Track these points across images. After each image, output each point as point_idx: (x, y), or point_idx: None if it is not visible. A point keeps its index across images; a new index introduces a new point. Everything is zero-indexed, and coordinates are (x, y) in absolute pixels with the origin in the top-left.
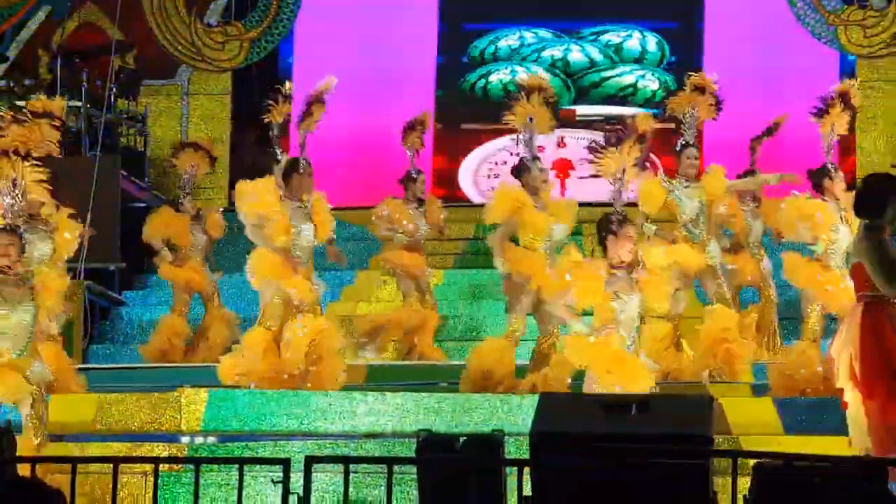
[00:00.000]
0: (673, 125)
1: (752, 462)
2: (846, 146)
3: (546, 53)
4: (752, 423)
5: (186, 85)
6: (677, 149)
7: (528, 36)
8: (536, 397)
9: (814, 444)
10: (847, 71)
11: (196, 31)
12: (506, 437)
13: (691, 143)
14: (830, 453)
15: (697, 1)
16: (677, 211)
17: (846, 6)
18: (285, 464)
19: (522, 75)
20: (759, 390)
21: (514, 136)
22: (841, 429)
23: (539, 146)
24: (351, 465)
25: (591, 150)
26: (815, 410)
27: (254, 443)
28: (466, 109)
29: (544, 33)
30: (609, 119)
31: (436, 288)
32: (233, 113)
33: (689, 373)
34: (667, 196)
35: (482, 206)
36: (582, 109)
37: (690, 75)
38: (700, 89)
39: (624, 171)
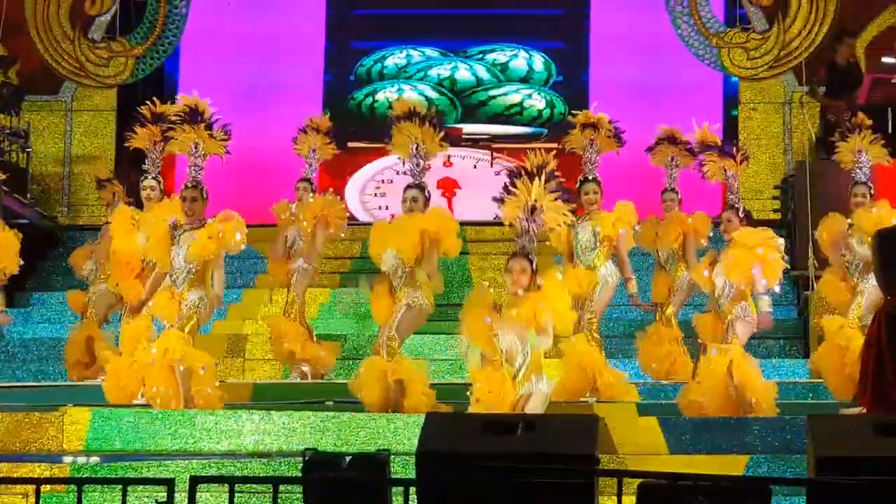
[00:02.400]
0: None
1: (637, 481)
2: None
3: (433, 72)
4: (638, 442)
5: (70, 101)
6: (577, 185)
7: (415, 54)
8: (423, 416)
9: (698, 464)
10: (730, 91)
11: (80, 47)
12: (392, 457)
13: (590, 178)
14: (715, 472)
15: (583, 22)
16: (573, 242)
17: (729, 29)
18: (169, 484)
19: (396, 103)
20: (644, 409)
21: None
22: (725, 448)
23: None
24: (236, 485)
25: (498, 201)
26: (700, 430)
27: (138, 462)
28: (353, 127)
29: (431, 52)
30: (496, 137)
31: (321, 307)
32: (117, 129)
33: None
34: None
35: (368, 224)
36: (469, 128)
37: (574, 114)
38: (592, 126)
39: (533, 208)
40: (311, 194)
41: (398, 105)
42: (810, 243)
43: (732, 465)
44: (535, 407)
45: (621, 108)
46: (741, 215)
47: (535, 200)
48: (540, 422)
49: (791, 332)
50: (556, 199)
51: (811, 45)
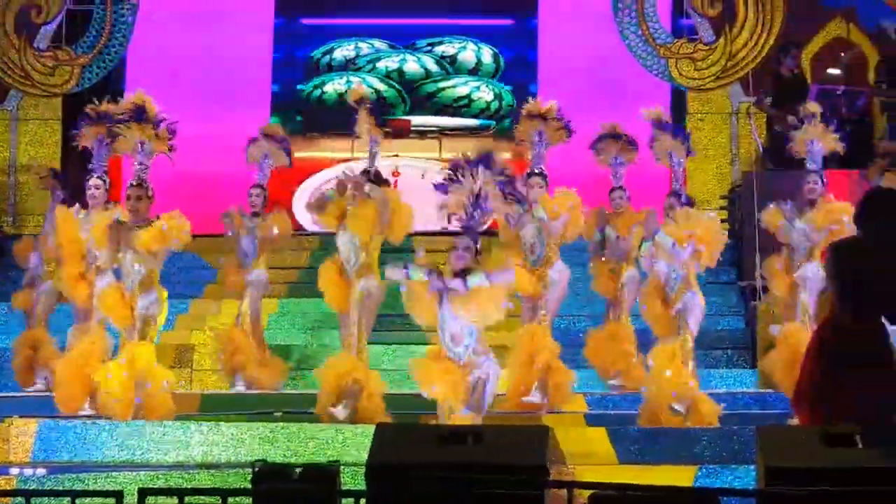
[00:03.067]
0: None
1: (587, 493)
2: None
3: (381, 64)
4: (587, 452)
5: (16, 110)
6: (525, 176)
7: (364, 47)
8: (373, 427)
9: (647, 474)
10: (678, 102)
11: (26, 56)
12: (342, 468)
13: (537, 171)
14: (664, 483)
15: (531, 33)
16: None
17: (676, 40)
18: (118, 496)
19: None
20: (592, 420)
21: (348, 164)
22: (674, 458)
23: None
24: (185, 497)
25: (441, 189)
26: (649, 440)
27: (85, 474)
28: (302, 126)
29: (380, 44)
30: (444, 129)
31: (269, 317)
32: (63, 138)
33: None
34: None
35: (315, 234)
36: (417, 120)
37: (527, 100)
38: (540, 116)
39: (478, 195)
40: (263, 201)
41: (351, 93)
42: (757, 253)
43: (681, 475)
44: (491, 392)
45: (571, 118)
46: (683, 201)
47: (480, 188)
48: (490, 433)
49: (738, 343)
50: (498, 188)
51: (758, 56)
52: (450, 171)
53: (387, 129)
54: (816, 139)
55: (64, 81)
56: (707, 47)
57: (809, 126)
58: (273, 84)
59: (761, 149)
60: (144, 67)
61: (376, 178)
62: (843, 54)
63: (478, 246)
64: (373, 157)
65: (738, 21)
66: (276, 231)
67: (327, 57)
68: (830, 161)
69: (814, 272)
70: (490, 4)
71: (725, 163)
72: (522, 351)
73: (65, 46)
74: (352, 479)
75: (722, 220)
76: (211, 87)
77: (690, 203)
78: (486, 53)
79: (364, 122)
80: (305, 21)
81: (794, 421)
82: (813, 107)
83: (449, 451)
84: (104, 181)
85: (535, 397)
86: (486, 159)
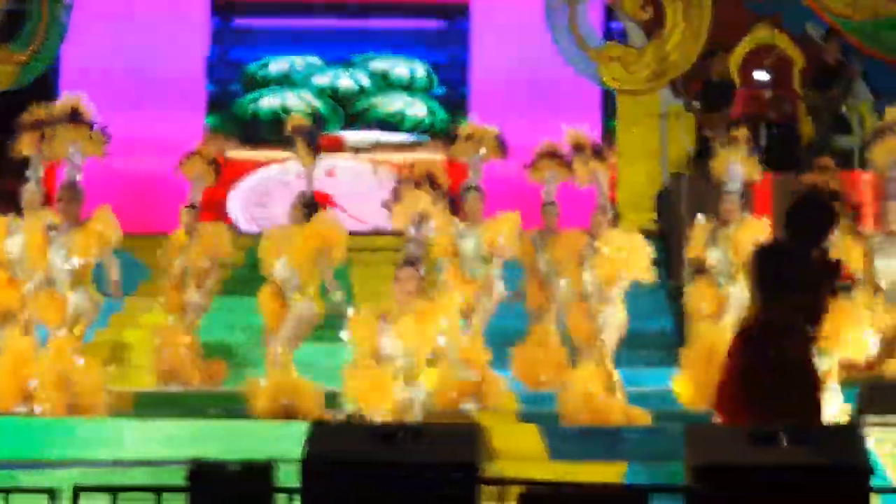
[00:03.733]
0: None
1: (518, 489)
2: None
3: (316, 80)
4: (518, 449)
5: None
6: (462, 191)
7: (298, 62)
8: (307, 425)
9: (578, 471)
10: (610, 106)
11: None
12: (277, 465)
13: (474, 185)
14: (594, 480)
15: (464, 35)
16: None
17: (607, 43)
18: (51, 493)
19: (295, 102)
20: (525, 417)
21: (283, 164)
22: (604, 455)
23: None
24: (119, 494)
25: (387, 207)
26: (579, 437)
27: (19, 472)
28: (237, 134)
29: (314, 60)
30: (378, 145)
31: (206, 316)
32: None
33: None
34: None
35: (251, 234)
36: (351, 135)
37: (461, 125)
38: (477, 137)
39: (421, 217)
40: (195, 219)
41: (289, 122)
42: (685, 254)
43: (610, 472)
44: (416, 416)
45: (502, 121)
46: (610, 216)
47: (423, 210)
48: (423, 430)
49: (667, 342)
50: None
51: (687, 59)
52: (394, 187)
53: (320, 152)
54: (738, 163)
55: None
56: (637, 51)
57: (732, 150)
58: (209, 84)
59: (690, 151)
60: (79, 67)
61: (310, 203)
62: (769, 59)
63: (421, 273)
64: (309, 180)
65: (667, 25)
66: (207, 264)
67: (263, 71)
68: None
69: (739, 293)
70: (422, 7)
71: (655, 165)
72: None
73: (1, 45)
74: (287, 477)
75: (653, 221)
76: (146, 87)
77: (617, 219)
78: (420, 68)
79: (301, 150)
80: (241, 21)
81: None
82: (740, 133)
83: (383, 448)
84: (38, 186)
85: (469, 404)
86: (428, 178)
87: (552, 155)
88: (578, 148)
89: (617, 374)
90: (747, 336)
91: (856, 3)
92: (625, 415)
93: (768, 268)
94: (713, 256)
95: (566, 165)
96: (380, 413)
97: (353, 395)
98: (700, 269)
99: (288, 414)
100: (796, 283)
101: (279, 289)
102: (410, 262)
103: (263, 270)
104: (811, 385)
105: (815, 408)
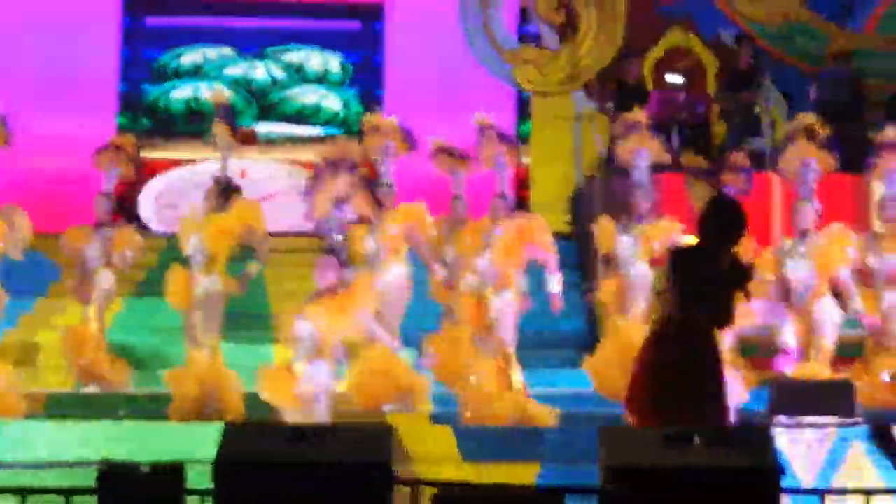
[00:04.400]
0: None
1: (432, 490)
2: (522, 179)
3: (229, 71)
4: (431, 450)
5: None
6: (374, 187)
7: (211, 53)
8: (221, 425)
9: (491, 472)
10: (524, 108)
11: None
12: (188, 466)
13: (385, 181)
14: (507, 481)
15: (379, 35)
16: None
17: (522, 45)
18: None
19: (208, 93)
20: (438, 418)
21: (195, 165)
22: (517, 456)
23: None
24: (28, 496)
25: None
26: (493, 438)
27: None
28: (148, 128)
29: (227, 51)
30: (291, 138)
31: (115, 316)
32: None
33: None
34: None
35: (162, 235)
36: (264, 128)
37: (369, 115)
38: (381, 129)
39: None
40: (110, 210)
41: (213, 95)
42: (599, 255)
43: (524, 473)
44: (320, 410)
45: (416, 122)
46: (508, 202)
47: (341, 193)
48: (336, 430)
49: (580, 342)
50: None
51: (601, 62)
52: (309, 175)
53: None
54: (642, 148)
55: None
56: (551, 53)
57: (634, 135)
58: (120, 83)
59: (603, 153)
60: None
61: (228, 188)
62: (682, 62)
63: (340, 261)
64: (225, 165)
65: (581, 28)
66: (128, 254)
67: (175, 62)
68: (669, 165)
69: (640, 273)
70: (336, 8)
71: (569, 167)
72: (374, 368)
73: None
74: (199, 478)
75: (566, 223)
76: (58, 87)
77: (513, 206)
78: (334, 61)
79: (219, 131)
80: (152, 20)
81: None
82: (637, 115)
83: (296, 448)
84: None
85: (392, 406)
86: (347, 162)
87: (444, 150)
88: (483, 128)
89: (518, 371)
90: (659, 336)
91: (769, 8)
92: (526, 412)
93: (682, 269)
94: (622, 248)
95: (460, 159)
96: (286, 404)
97: (264, 389)
98: (609, 262)
99: (210, 405)
100: (709, 284)
101: (188, 267)
102: (331, 249)
103: (182, 251)
104: (719, 386)
105: (723, 408)
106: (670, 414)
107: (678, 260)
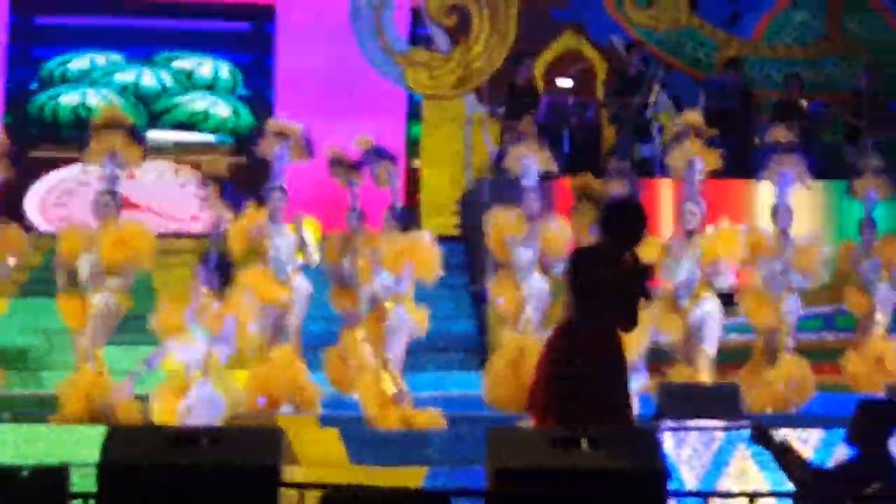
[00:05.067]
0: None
1: (318, 493)
2: (414, 182)
3: (118, 77)
4: (319, 453)
5: None
6: (267, 191)
7: (100, 59)
8: (104, 428)
9: (379, 476)
10: (414, 109)
11: None
12: (73, 470)
13: (278, 186)
14: (395, 484)
15: (269, 37)
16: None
17: (413, 48)
18: None
19: (100, 102)
20: (327, 421)
21: (84, 165)
22: (405, 459)
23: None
24: None
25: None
26: (381, 441)
27: None
28: (35, 132)
29: (116, 57)
30: (181, 145)
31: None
32: None
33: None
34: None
35: (49, 235)
36: (153, 135)
37: (269, 121)
38: (284, 135)
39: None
40: None
41: (103, 111)
42: (489, 258)
43: (412, 476)
44: (210, 415)
45: (307, 124)
46: (398, 215)
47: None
48: (223, 433)
49: (470, 346)
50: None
51: (492, 65)
52: (199, 191)
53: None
54: (531, 156)
55: None
56: (443, 56)
57: (523, 143)
58: (7, 83)
59: (493, 156)
60: None
61: (118, 201)
62: (573, 66)
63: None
64: (114, 178)
65: (473, 31)
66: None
67: (62, 68)
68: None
69: (536, 283)
70: (227, 9)
71: (459, 170)
72: (272, 372)
73: None
74: (83, 482)
75: (455, 226)
76: None
77: (408, 218)
78: (224, 69)
79: (120, 142)
80: (41, 20)
81: (525, 423)
82: (527, 126)
83: (182, 452)
84: None
85: (285, 409)
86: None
87: (339, 162)
88: (368, 153)
89: (399, 377)
90: (561, 340)
91: (658, 15)
92: (409, 419)
93: (582, 271)
94: (516, 252)
95: (355, 170)
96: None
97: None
98: (502, 265)
99: (101, 415)
100: (610, 286)
101: (79, 287)
102: (206, 259)
103: (63, 266)
104: (623, 390)
105: (628, 411)
106: (574, 418)
107: (578, 263)
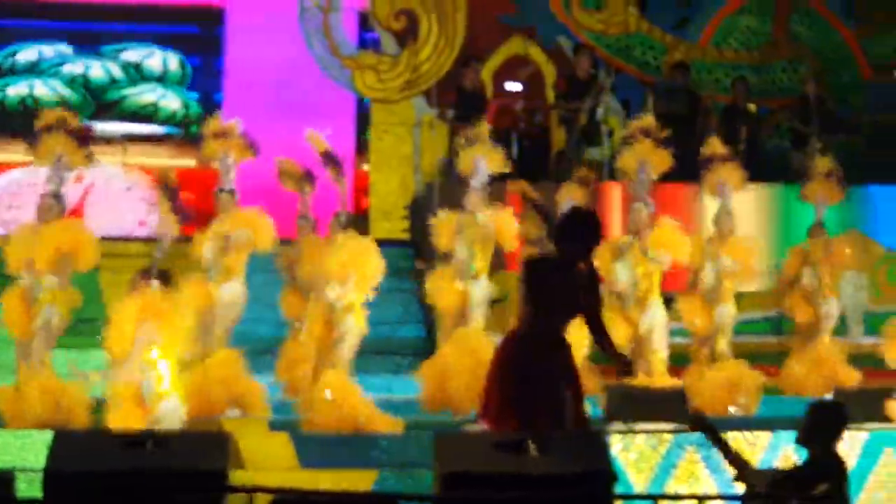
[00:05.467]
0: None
1: (268, 498)
2: (361, 186)
3: (66, 69)
4: (269, 457)
5: None
6: (216, 193)
7: (48, 50)
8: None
9: (328, 479)
10: (363, 112)
11: None
12: (18, 475)
13: (226, 188)
14: (344, 488)
15: (218, 39)
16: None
17: (361, 51)
18: None
19: (48, 94)
20: (276, 425)
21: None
22: (354, 463)
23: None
24: None
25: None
26: (330, 445)
27: None
28: None
29: (64, 48)
30: (129, 136)
31: None
32: None
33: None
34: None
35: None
36: (102, 126)
37: (210, 120)
38: (224, 134)
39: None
40: None
41: (46, 115)
42: (437, 263)
43: (361, 480)
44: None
45: (256, 127)
46: (343, 221)
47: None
48: (171, 438)
49: (419, 350)
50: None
51: (441, 69)
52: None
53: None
54: (482, 158)
55: None
56: (391, 60)
57: (475, 145)
58: None
59: (443, 160)
60: None
61: (63, 203)
62: (522, 70)
63: (167, 280)
64: (59, 180)
65: (421, 34)
66: None
67: (10, 60)
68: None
69: (478, 283)
70: (176, 11)
71: (409, 173)
72: (212, 376)
73: None
74: (29, 487)
75: (404, 230)
76: None
77: (355, 225)
78: (173, 61)
79: (65, 145)
80: None
81: (473, 427)
82: (481, 128)
83: (129, 456)
84: None
85: (231, 413)
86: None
87: (289, 172)
88: (326, 156)
89: (353, 381)
90: (514, 345)
91: (608, 19)
92: (365, 422)
93: (536, 280)
94: (459, 250)
95: (307, 179)
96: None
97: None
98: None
99: (50, 420)
100: (564, 296)
101: (25, 292)
102: (146, 270)
103: (10, 271)
104: (577, 394)
105: (580, 416)
106: (528, 424)
107: (532, 272)
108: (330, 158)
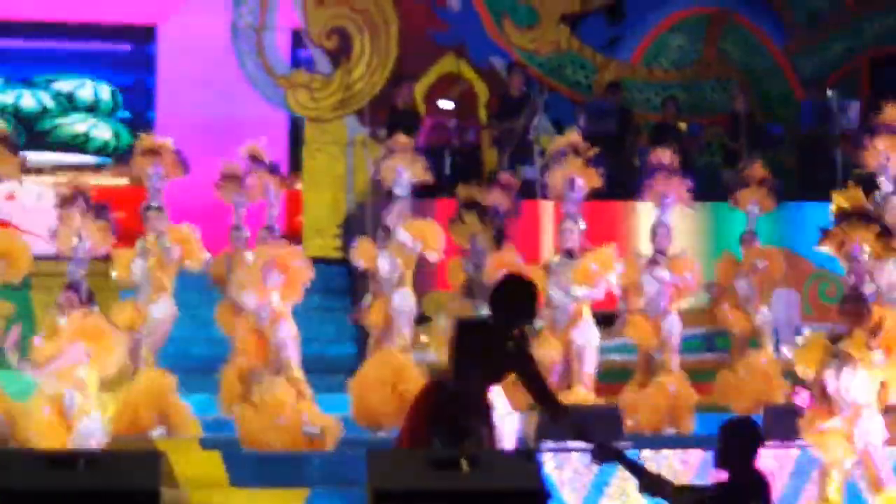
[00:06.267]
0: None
1: None
2: (294, 205)
3: None
4: (200, 475)
5: None
6: (143, 210)
7: None
8: None
9: (259, 498)
10: (297, 132)
11: None
12: None
13: (154, 204)
14: None
15: (150, 58)
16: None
17: (295, 70)
18: None
19: None
20: (207, 443)
21: None
22: (286, 481)
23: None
24: None
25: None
26: (262, 463)
27: None
28: None
29: None
30: (61, 166)
31: None
32: None
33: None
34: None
35: None
36: (33, 156)
37: (141, 136)
38: (154, 151)
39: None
40: None
41: None
42: (369, 281)
43: (293, 498)
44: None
45: (188, 145)
46: (276, 233)
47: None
48: (102, 458)
49: (351, 368)
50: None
51: (374, 88)
52: (58, 212)
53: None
54: (403, 168)
55: None
56: (324, 78)
57: (396, 155)
58: None
59: (374, 179)
60: None
61: None
62: (454, 89)
63: (81, 296)
64: None
65: (354, 53)
66: None
67: None
68: (438, 190)
69: (402, 299)
70: (108, 29)
71: (341, 192)
72: (139, 393)
73: None
74: None
75: (336, 249)
76: None
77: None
78: (104, 90)
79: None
80: None
81: None
82: (402, 139)
83: (59, 476)
84: None
85: (158, 431)
86: (81, 196)
87: (234, 177)
88: (253, 160)
89: (305, 384)
90: (434, 398)
91: (539, 37)
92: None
93: (464, 341)
94: (381, 264)
95: (245, 190)
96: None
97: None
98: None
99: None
100: (490, 360)
101: None
102: (70, 285)
103: None
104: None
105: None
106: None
107: (462, 333)
108: (272, 168)
